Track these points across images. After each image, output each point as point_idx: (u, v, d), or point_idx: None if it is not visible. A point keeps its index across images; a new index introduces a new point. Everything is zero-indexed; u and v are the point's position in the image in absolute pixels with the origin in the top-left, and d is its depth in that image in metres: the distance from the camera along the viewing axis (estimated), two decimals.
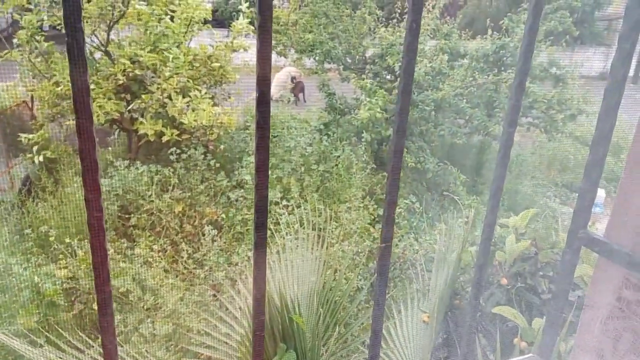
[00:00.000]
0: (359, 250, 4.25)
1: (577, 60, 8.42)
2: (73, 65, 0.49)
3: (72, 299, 3.87)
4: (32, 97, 7.09)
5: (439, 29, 7.80)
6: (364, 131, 6.48)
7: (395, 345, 2.45)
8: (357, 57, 8.66)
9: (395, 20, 8.34)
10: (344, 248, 4.17)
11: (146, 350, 3.15)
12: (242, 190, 5.35)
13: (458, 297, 2.62)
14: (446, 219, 5.72)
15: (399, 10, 8.34)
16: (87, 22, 6.35)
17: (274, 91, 12.41)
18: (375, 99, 6.33)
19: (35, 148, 6.11)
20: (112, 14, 6.41)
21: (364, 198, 5.50)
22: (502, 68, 6.84)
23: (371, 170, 6.26)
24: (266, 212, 0.59)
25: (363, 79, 7.14)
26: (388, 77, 7.86)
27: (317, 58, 8.59)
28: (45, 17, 6.51)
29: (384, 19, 8.95)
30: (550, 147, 9.70)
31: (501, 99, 6.67)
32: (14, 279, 3.48)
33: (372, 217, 5.16)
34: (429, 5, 7.71)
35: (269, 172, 5.71)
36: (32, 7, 6.42)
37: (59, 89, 6.18)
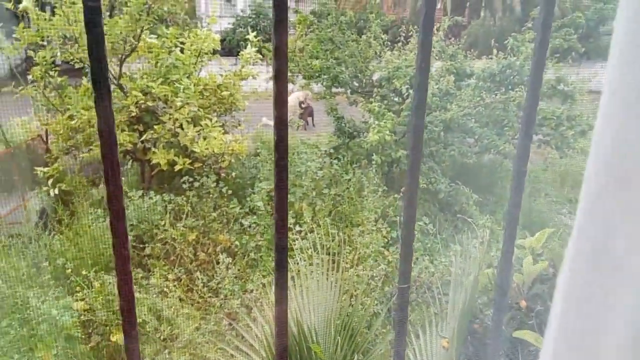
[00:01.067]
0: (374, 275, 4.22)
1: (585, 76, 8.43)
2: (99, 97, 0.51)
3: (90, 331, 3.88)
4: (46, 131, 7.25)
5: (444, 50, 7.88)
6: (374, 154, 6.51)
7: None
8: (364, 80, 8.76)
9: (400, 44, 8.45)
10: (359, 272, 4.16)
11: None
12: (255, 217, 5.37)
13: (477, 321, 2.59)
14: (460, 239, 5.68)
15: (403, 34, 8.47)
16: None
17: None
18: (384, 122, 6.38)
19: (50, 181, 6.22)
20: (124, 48, 6.59)
21: (377, 221, 5.49)
22: (510, 87, 6.87)
23: (383, 192, 6.26)
24: (286, 232, 0.60)
25: (371, 102, 7.20)
26: (396, 99, 7.93)
27: (324, 83, 8.71)
28: (59, 53, 6.71)
29: (389, 43, 9.08)
30: (562, 163, 9.64)
31: (510, 117, 6.68)
32: (31, 313, 3.50)
33: (386, 240, 5.14)
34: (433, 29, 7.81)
35: None
36: (45, 43, 6.62)
37: (73, 122, 6.32)
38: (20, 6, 6.01)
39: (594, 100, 8.43)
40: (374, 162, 6.49)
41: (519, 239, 2.64)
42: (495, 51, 7.46)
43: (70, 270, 4.10)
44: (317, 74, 8.50)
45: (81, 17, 6.22)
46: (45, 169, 6.32)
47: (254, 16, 19.26)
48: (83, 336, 3.72)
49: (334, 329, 2.45)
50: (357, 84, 8.83)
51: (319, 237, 4.29)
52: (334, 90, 8.76)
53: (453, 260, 3.01)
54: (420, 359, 2.59)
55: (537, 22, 0.64)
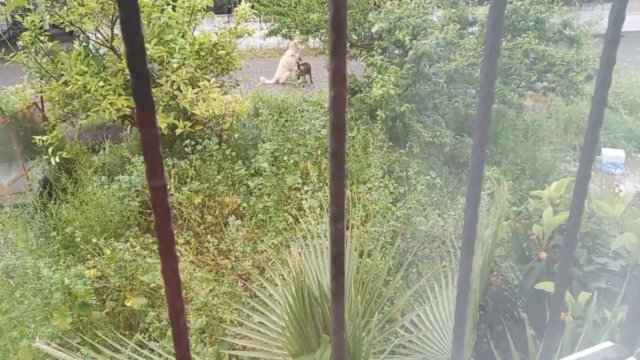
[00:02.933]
0: (384, 231, 4.21)
1: (589, 19, 8.16)
2: (141, 112, 0.42)
3: (104, 297, 3.90)
4: (41, 99, 7.09)
5: None
6: (377, 109, 6.37)
7: (433, 327, 2.42)
8: (363, 33, 8.49)
9: None
10: (368, 229, 4.14)
11: None
12: (261, 178, 5.31)
13: (494, 274, 2.58)
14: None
15: None
16: (89, 18, 6.28)
17: (280, 75, 12.29)
18: (387, 75, 6.21)
19: (50, 149, 6.12)
20: (114, 8, 6.32)
21: (383, 177, 5.44)
22: (515, 33, 6.65)
23: (388, 148, 6.18)
24: (343, 243, 0.51)
25: (372, 56, 7.00)
26: (397, 51, 7.70)
27: (322, 38, 8.45)
28: (48, 17, 6.45)
29: None
30: (566, 110, 9.51)
31: (516, 65, 6.49)
32: (43, 282, 3.51)
33: (394, 195, 5.10)
34: None
35: (288, 158, 5.63)
36: (32, 7, 6.36)
37: (68, 88, 6.15)
38: None
39: (599, 44, 8.21)
40: (378, 118, 6.37)
41: (537, 190, 2.58)
42: None
43: (79, 238, 4.08)
44: (314, 28, 8.23)
45: None
46: (44, 137, 6.21)
47: None
48: (98, 303, 3.75)
49: (353, 288, 2.43)
50: (355, 37, 8.57)
51: (326, 196, 4.25)
52: None
53: (464, 214, 2.97)
54: (438, 313, 2.60)
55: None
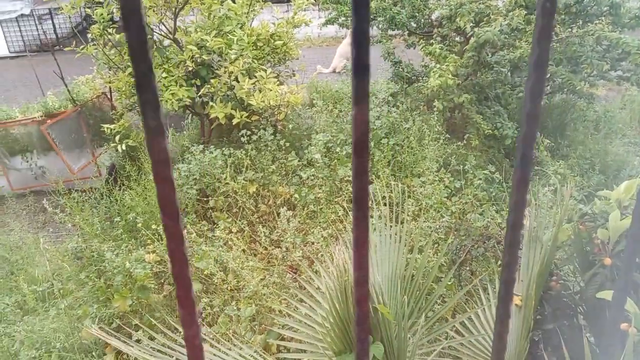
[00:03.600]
0: (437, 227, 4.10)
1: None
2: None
3: (162, 281, 4.09)
4: (110, 89, 7.47)
5: None
6: (435, 100, 6.18)
7: (486, 331, 2.33)
8: (423, 20, 8.24)
9: None
10: (422, 224, 4.04)
11: (233, 331, 3.27)
12: (313, 169, 5.33)
13: (554, 278, 2.43)
14: (531, 187, 5.38)
15: None
16: (153, 11, 6.51)
17: (337, 64, 12.22)
18: (446, 65, 5.99)
19: (117, 137, 6.45)
20: (177, 1, 6.52)
21: (439, 170, 5.29)
22: (587, 19, 6.19)
23: (444, 140, 5.99)
24: (367, 268, 0.48)
25: (431, 44, 6.78)
26: (457, 39, 7.42)
27: (380, 26, 8.28)
28: (115, 10, 6.74)
29: None
30: None
31: (587, 53, 6.06)
32: (107, 265, 3.72)
33: (449, 189, 4.95)
34: None
35: (340, 149, 5.59)
36: (101, 0, 6.67)
37: (134, 79, 6.43)
38: None
39: None
40: (435, 108, 6.18)
41: (605, 190, 2.40)
42: None
43: (140, 224, 4.29)
44: (372, 17, 8.08)
45: None
46: (112, 126, 6.55)
47: None
48: (156, 286, 3.93)
49: (400, 286, 2.38)
50: (414, 25, 8.33)
51: (379, 189, 4.19)
52: (390, 32, 8.32)
53: (526, 212, 2.82)
54: (491, 315, 2.50)
55: None
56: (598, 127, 7.82)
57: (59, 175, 6.34)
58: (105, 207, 5.08)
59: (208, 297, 3.75)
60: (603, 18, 6.16)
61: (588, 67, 6.04)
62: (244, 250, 4.22)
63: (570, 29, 6.18)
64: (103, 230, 4.59)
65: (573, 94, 6.74)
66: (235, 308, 3.44)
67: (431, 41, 7.14)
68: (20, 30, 14.79)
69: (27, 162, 7.17)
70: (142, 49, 0.42)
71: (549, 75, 6.32)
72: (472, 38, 6.11)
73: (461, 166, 5.33)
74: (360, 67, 0.46)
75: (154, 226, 4.16)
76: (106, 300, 3.65)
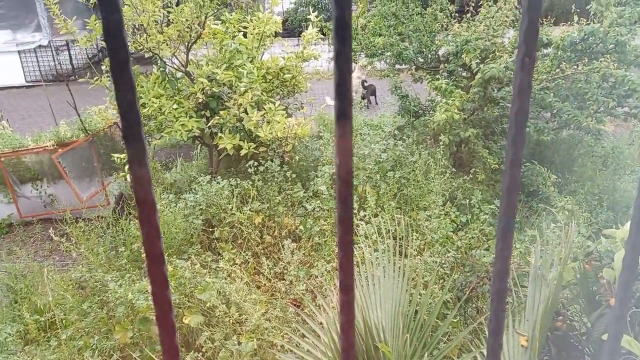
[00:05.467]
0: (442, 262, 4.05)
1: None
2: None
3: None
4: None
5: (517, 18, 7.34)
6: (441, 133, 6.22)
7: None
8: (430, 56, 8.38)
9: (469, 14, 7.98)
10: (426, 259, 4.01)
11: None
12: (319, 201, 5.34)
13: (560, 318, 2.38)
14: (537, 223, 5.33)
15: (472, 3, 7.97)
16: (167, 44, 6.69)
17: None
18: (452, 99, 6.06)
19: (126, 167, 6.53)
20: (190, 35, 6.71)
21: (445, 204, 5.27)
22: (593, 56, 6.26)
23: (451, 174, 5.99)
24: (353, 313, 0.49)
25: (437, 79, 6.87)
26: (464, 74, 7.52)
27: (387, 60, 8.43)
28: (129, 43, 6.95)
29: (456, 14, 8.60)
30: None
31: (593, 90, 6.10)
32: (109, 295, 3.71)
33: (455, 224, 4.91)
34: None
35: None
36: None
37: (145, 110, 6.56)
38: None
39: None
40: (441, 142, 6.21)
41: (609, 229, 2.38)
42: (576, 17, 6.82)
43: (144, 255, 4.28)
44: (380, 52, 8.24)
45: (149, 7, 6.40)
46: (122, 155, 6.65)
47: None
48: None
49: (402, 323, 2.35)
50: (422, 60, 8.47)
51: (384, 222, 4.17)
52: (397, 67, 8.46)
53: (532, 250, 2.79)
54: None
55: None
56: (606, 163, 7.78)
57: (67, 203, 6.40)
58: (111, 236, 5.10)
59: (209, 330, 3.71)
60: (609, 56, 6.22)
61: (594, 103, 6.07)
62: (247, 283, 4.19)
63: (576, 66, 6.25)
64: (108, 260, 4.59)
65: (580, 130, 6.76)
66: (236, 342, 3.39)
67: (437, 76, 7.24)
68: (37, 61, 15.24)
69: (37, 190, 7.27)
70: (132, 107, 0.44)
71: (555, 110, 6.36)
72: (478, 74, 6.19)
73: (467, 200, 5.31)
74: (341, 116, 0.48)
75: None
76: (108, 331, 3.62)
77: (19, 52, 15.08)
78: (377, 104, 12.41)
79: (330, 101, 11.83)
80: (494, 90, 6.45)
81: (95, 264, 4.38)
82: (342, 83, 0.47)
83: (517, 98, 0.55)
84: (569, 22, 7.97)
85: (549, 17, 8.89)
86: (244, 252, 4.94)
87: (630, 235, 0.64)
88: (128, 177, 6.50)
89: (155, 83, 6.79)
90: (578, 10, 7.21)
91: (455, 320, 3.47)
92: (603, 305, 2.22)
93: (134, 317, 3.67)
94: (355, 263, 3.23)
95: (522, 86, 0.54)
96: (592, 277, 2.36)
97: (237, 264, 4.45)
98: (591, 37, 6.15)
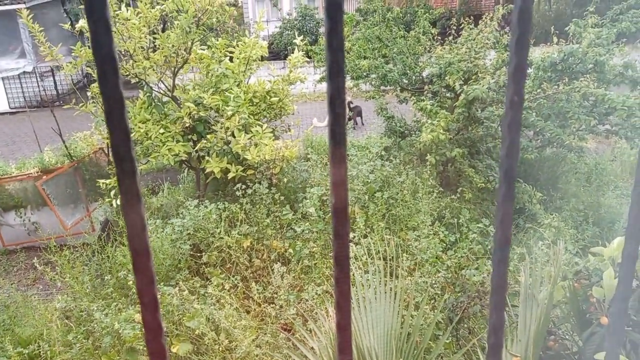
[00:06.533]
0: (433, 282, 4.05)
1: None
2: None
3: None
4: (107, 144, 7.56)
5: (498, 40, 7.53)
6: (427, 154, 6.29)
7: None
8: (414, 77, 8.52)
9: (451, 37, 8.15)
10: (417, 279, 3.99)
11: None
12: (308, 223, 5.32)
13: (552, 338, 2.38)
14: (525, 241, 5.37)
15: (454, 27, 8.15)
16: (153, 70, 6.71)
17: None
18: (437, 120, 6.14)
19: (112, 192, 6.47)
20: (176, 61, 6.74)
21: (433, 224, 5.29)
22: (573, 76, 6.42)
23: (438, 193, 6.03)
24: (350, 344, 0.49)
25: (422, 100, 6.98)
26: (448, 95, 7.64)
27: (373, 82, 8.55)
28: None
29: (439, 37, 8.78)
30: (632, 152, 8.97)
31: (574, 108, 6.24)
32: (95, 325, 3.62)
33: (444, 244, 4.93)
34: (486, 18, 7.48)
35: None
36: None
37: (131, 135, 6.52)
38: (77, 25, 6.27)
39: None
40: (427, 162, 6.27)
41: (597, 247, 2.40)
42: (555, 38, 7.01)
43: (131, 282, 4.21)
44: (365, 74, 8.36)
45: (135, 33, 6.43)
46: (107, 181, 6.58)
47: (300, 18, 19.36)
48: (145, 348, 3.80)
49: (395, 346, 2.32)
50: (406, 81, 8.61)
51: (374, 243, 4.17)
52: (382, 88, 8.57)
53: (521, 267, 2.80)
54: None
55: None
56: (590, 180, 7.91)
57: (51, 231, 6.29)
58: (97, 264, 5.01)
59: (199, 359, 3.63)
60: (588, 75, 6.39)
61: (576, 122, 6.20)
62: (236, 308, 4.13)
63: (557, 86, 6.40)
64: (93, 289, 4.50)
65: (563, 148, 6.88)
66: None
67: (422, 97, 7.35)
68: (21, 87, 15.15)
69: (21, 217, 7.14)
70: (128, 155, 0.44)
71: (538, 129, 6.47)
72: (461, 95, 6.30)
73: (455, 219, 5.34)
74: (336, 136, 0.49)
75: None
76: None
77: (2, 78, 14.98)
78: (363, 124, 12.52)
79: (318, 123, 11.92)
80: (477, 110, 6.55)
81: (80, 293, 4.29)
82: (337, 123, 0.48)
83: (507, 135, 0.56)
84: (548, 43, 8.19)
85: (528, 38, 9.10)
86: (233, 276, 4.88)
87: (625, 245, 0.65)
88: (114, 203, 6.43)
89: (141, 108, 6.78)
90: (557, 31, 7.43)
91: (448, 342, 3.44)
92: (594, 324, 2.23)
93: (120, 347, 3.58)
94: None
95: (512, 123, 0.55)
96: (582, 296, 2.37)
97: (226, 289, 4.39)
98: (571, 57, 6.33)
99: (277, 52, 18.34)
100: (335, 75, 0.48)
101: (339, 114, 0.51)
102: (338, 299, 0.56)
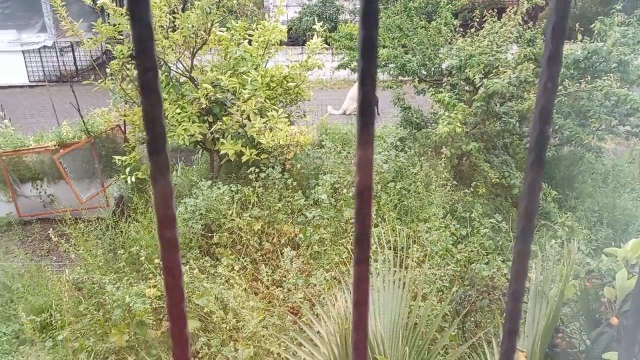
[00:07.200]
0: (442, 274, 4.04)
1: None
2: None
3: (161, 317, 4.03)
4: (124, 122, 7.63)
5: (521, 34, 7.40)
6: (443, 146, 6.24)
7: None
8: (433, 69, 8.42)
9: (473, 29, 8.03)
10: (426, 271, 4.00)
11: None
12: (319, 209, 5.34)
13: (560, 335, 2.38)
14: (537, 239, 5.33)
15: (477, 19, 8.02)
16: (172, 49, 6.72)
17: (348, 106, 12.44)
18: (455, 113, 6.08)
19: (127, 169, 6.54)
20: (195, 41, 6.74)
21: (445, 217, 5.27)
22: (595, 75, 6.30)
23: (452, 187, 6.00)
24: (368, 287, 0.49)
25: (440, 92, 6.90)
26: (467, 88, 7.55)
27: (391, 72, 8.47)
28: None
29: (460, 29, 8.65)
30: None
31: (595, 107, 6.13)
32: (107, 298, 3.69)
33: (455, 237, 4.91)
34: (510, 12, 7.34)
35: (347, 190, 5.63)
36: (122, 37, 6.91)
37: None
38: (99, 1, 6.29)
39: None
40: (442, 155, 6.23)
41: (611, 248, 2.38)
42: (579, 36, 6.87)
43: (143, 257, 4.28)
44: (383, 63, 8.28)
45: (155, 12, 6.43)
46: (123, 158, 6.65)
47: (320, 4, 19.21)
48: (154, 322, 3.88)
49: (401, 335, 2.34)
50: (425, 73, 8.51)
51: (384, 232, 4.17)
52: (400, 79, 8.50)
53: (533, 265, 2.79)
54: None
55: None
56: (606, 181, 7.80)
57: (67, 204, 6.39)
58: (110, 238, 5.09)
59: (206, 336, 3.69)
60: (611, 74, 6.26)
61: (596, 121, 6.10)
62: (245, 289, 4.17)
63: (579, 84, 6.28)
64: (106, 262, 4.58)
65: (581, 147, 6.78)
66: (232, 349, 3.37)
67: (440, 89, 7.27)
68: (41, 61, 15.29)
69: (37, 189, 7.26)
70: (158, 120, 0.45)
71: (557, 127, 6.38)
72: (481, 88, 6.23)
73: (467, 214, 5.32)
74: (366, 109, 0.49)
75: (157, 260, 4.14)
76: (104, 334, 3.60)
77: (23, 52, 15.13)
78: (379, 114, 12.45)
79: (333, 110, 11.88)
80: (496, 105, 6.47)
81: (93, 266, 4.37)
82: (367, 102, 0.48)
83: (537, 123, 0.56)
84: (572, 40, 8.03)
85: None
86: (243, 258, 4.93)
87: None
88: (129, 180, 6.50)
89: None
90: (582, 29, 7.27)
91: (454, 334, 3.45)
92: (603, 324, 2.22)
93: (130, 320, 3.65)
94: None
95: (544, 110, 0.54)
96: (593, 295, 2.36)
97: (235, 269, 4.44)
98: (594, 55, 6.20)
99: (296, 37, 18.23)
100: (367, 51, 0.48)
101: (369, 92, 0.51)
102: (357, 278, 0.57)
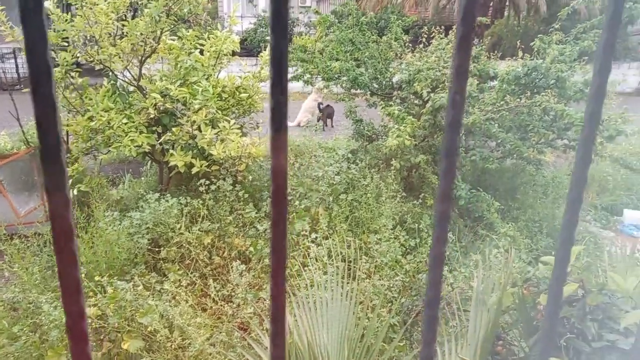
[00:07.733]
0: (391, 285, 4.09)
1: (613, 78, 8.12)
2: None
3: (101, 337, 3.85)
4: (67, 132, 7.30)
5: None
6: (392, 158, 6.36)
7: None
8: (384, 82, 8.61)
9: (421, 45, 8.28)
10: (375, 282, 4.03)
11: None
12: (270, 222, 5.28)
13: (500, 343, 2.45)
14: (482, 248, 5.50)
15: (425, 35, 8.29)
16: (119, 57, 6.53)
17: (302, 118, 12.49)
18: (404, 126, 6.23)
19: (69, 182, 6.25)
20: (144, 50, 6.58)
21: (395, 228, 5.36)
22: (535, 90, 6.64)
23: (401, 198, 6.11)
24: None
25: (390, 105, 7.06)
26: (416, 102, 7.76)
27: (343, 85, 8.59)
28: (79, 54, 6.69)
29: (410, 44, 8.90)
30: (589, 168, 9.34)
31: (535, 122, 6.45)
32: (43, 318, 3.49)
33: (404, 248, 5.00)
34: (455, 29, 7.63)
35: (299, 202, 5.61)
36: (66, 44, 6.64)
37: (93, 123, 6.34)
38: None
39: (623, 103, 8.13)
40: (392, 167, 6.35)
41: (546, 257, 2.49)
42: (520, 53, 7.23)
43: (84, 274, 4.08)
44: (336, 76, 8.39)
45: (102, 19, 6.24)
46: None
47: None
48: (95, 342, 3.70)
49: (347, 347, 2.34)
50: (376, 86, 8.69)
51: (335, 244, 4.19)
52: (353, 91, 8.63)
53: (475, 273, 2.87)
54: None
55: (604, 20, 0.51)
56: (546, 192, 8.18)
57: (2, 218, 6.03)
58: (48, 255, 4.83)
59: (150, 357, 3.55)
60: (550, 90, 6.61)
61: (536, 135, 6.41)
62: (192, 306, 4.06)
63: (519, 99, 6.59)
64: (43, 280, 4.33)
65: (522, 160, 7.09)
66: None
67: (391, 102, 7.44)
68: None
69: None
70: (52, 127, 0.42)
71: (499, 140, 6.65)
72: (428, 102, 6.41)
73: (416, 225, 5.43)
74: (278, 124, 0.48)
75: (97, 278, 3.97)
76: (39, 356, 3.39)
77: None
78: (332, 126, 12.58)
79: (288, 122, 11.95)
80: (443, 119, 6.68)
81: (29, 284, 4.12)
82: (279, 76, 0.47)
83: (447, 133, 0.57)
84: (514, 57, 8.44)
85: (496, 51, 9.37)
86: (191, 273, 4.80)
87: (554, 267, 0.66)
88: (70, 193, 6.22)
89: (105, 96, 6.59)
90: (523, 46, 7.65)
91: (401, 344, 3.49)
92: (540, 331, 2.30)
93: (68, 341, 3.45)
94: (304, 286, 3.20)
95: (453, 123, 0.56)
96: (530, 303, 2.45)
97: (183, 285, 4.31)
98: (534, 72, 6.53)
99: (251, 48, 18.18)
100: (277, 61, 0.47)
101: (281, 101, 0.51)
102: (274, 267, 0.56)
